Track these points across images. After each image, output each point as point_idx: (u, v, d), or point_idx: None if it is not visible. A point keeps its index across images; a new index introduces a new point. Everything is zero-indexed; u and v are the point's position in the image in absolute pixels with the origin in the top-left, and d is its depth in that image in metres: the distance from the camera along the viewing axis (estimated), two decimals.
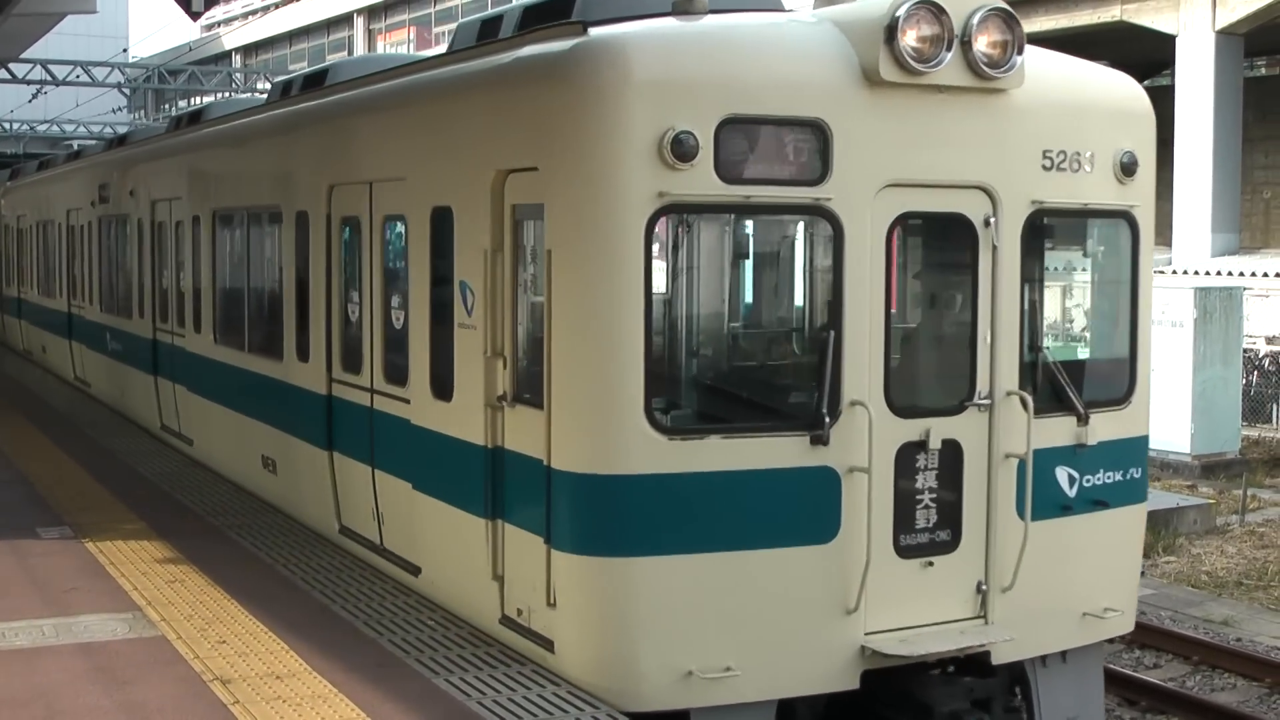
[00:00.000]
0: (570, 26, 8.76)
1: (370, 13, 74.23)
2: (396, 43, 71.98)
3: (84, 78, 52.17)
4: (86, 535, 12.32)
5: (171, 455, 16.85)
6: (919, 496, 9.12)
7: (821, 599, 8.83)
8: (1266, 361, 29.62)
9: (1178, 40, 36.20)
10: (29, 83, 49.69)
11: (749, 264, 9.65)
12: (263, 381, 13.45)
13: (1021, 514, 9.26)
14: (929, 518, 9.17)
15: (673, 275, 8.84)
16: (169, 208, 16.91)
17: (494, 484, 9.40)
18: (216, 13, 77.64)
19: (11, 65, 46.69)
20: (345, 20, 75.30)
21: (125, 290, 19.35)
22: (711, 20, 8.84)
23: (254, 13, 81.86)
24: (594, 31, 8.58)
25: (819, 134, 8.67)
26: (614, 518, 8.51)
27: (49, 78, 50.18)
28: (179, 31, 76.03)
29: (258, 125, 14.27)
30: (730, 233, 9.55)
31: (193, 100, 65.59)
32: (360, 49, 73.06)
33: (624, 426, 8.41)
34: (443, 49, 12.96)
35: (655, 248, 8.45)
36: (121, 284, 19.71)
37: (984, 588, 9.32)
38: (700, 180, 8.41)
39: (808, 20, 9.02)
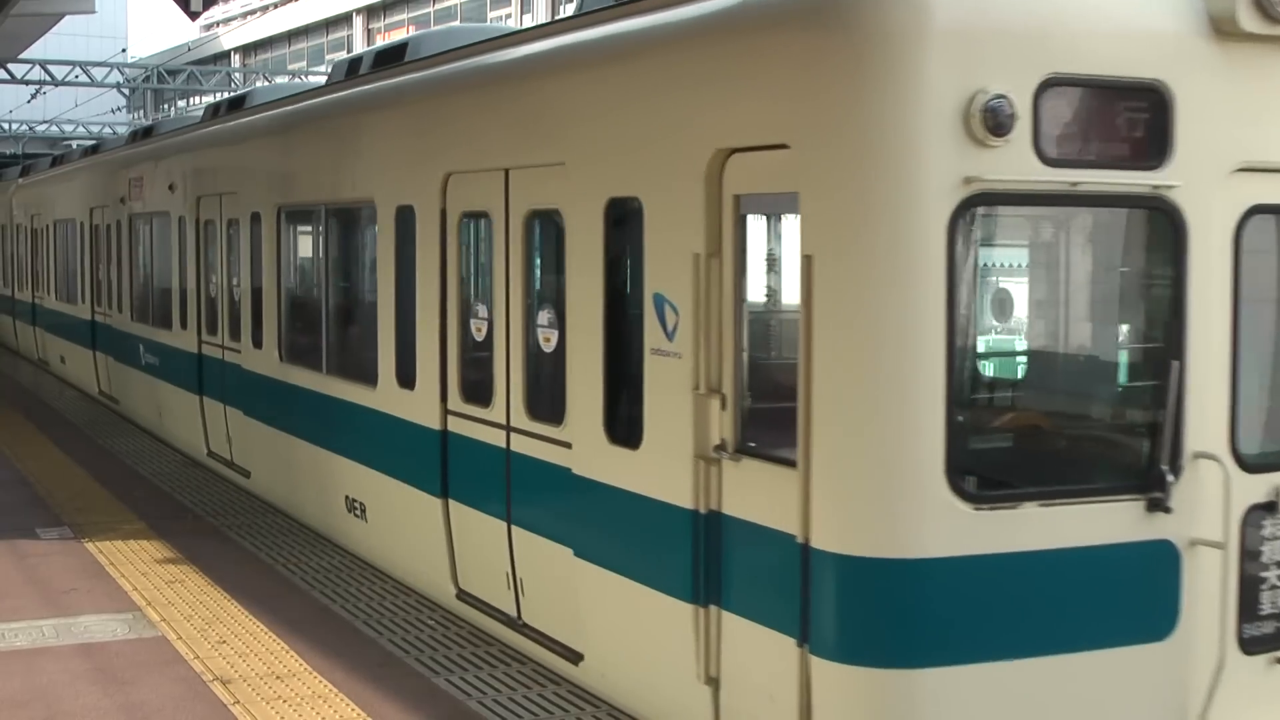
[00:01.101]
0: None
1: (369, 12, 71.61)
2: None
3: (83, 78, 50.06)
4: (86, 536, 11.92)
5: (170, 455, 16.20)
6: (1264, 574, 6.74)
7: (1155, 712, 6.47)
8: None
9: None
10: (28, 83, 47.60)
11: (1062, 272, 7.19)
12: (349, 410, 10.97)
13: None
14: (1275, 600, 6.80)
15: (967, 289, 6.39)
16: (218, 204, 14.34)
17: (707, 560, 6.97)
18: (215, 13, 74.86)
19: (10, 65, 44.98)
20: (344, 20, 72.64)
21: (163, 297, 16.76)
22: None
23: (252, 13, 79.01)
24: None
25: (1159, 101, 6.28)
26: (907, 616, 6.10)
27: (48, 78, 48.12)
28: (177, 31, 73.57)
29: (338, 106, 11.72)
30: (1038, 231, 7.11)
31: (192, 100, 63.26)
32: (359, 48, 70.35)
33: (921, 493, 6.01)
34: None
35: (959, 252, 6.05)
36: (158, 290, 17.13)
37: None
38: (1015, 162, 6.03)
39: None
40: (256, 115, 13.91)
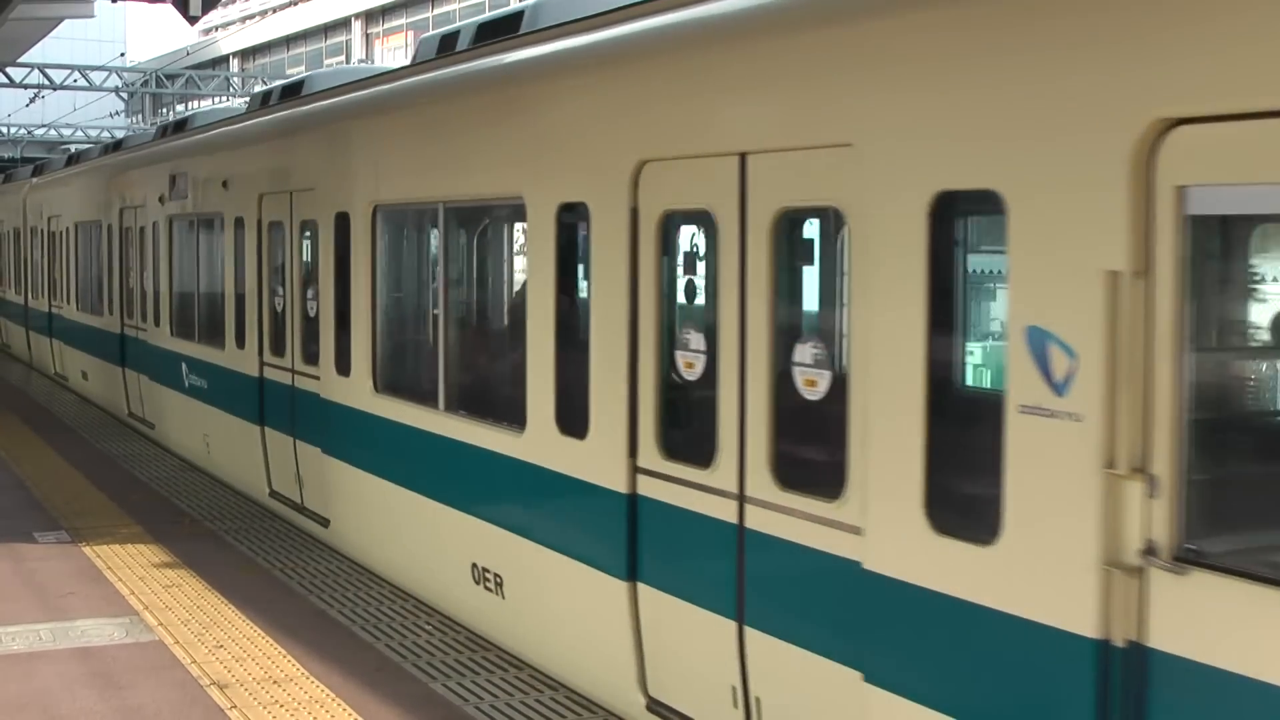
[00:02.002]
0: None
1: (367, 17, 69.32)
2: (393, 47, 67.30)
3: (81, 82, 48.58)
4: (84, 539, 11.65)
5: (168, 460, 15.55)
6: None
7: None
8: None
9: None
10: (26, 86, 45.95)
11: None
12: (481, 459, 8.60)
13: None
14: None
15: None
16: (288, 203, 11.91)
17: (1123, 715, 4.66)
18: (214, 17, 72.26)
19: (9, 69, 43.35)
20: (343, 25, 70.36)
21: (212, 310, 14.28)
22: None
23: (251, 17, 76.38)
24: None
25: None
26: None
27: (46, 81, 46.57)
28: (176, 36, 71.10)
29: (459, 83, 9.29)
30: None
31: (190, 104, 61.16)
32: (358, 53, 68.01)
33: None
34: None
35: None
36: (206, 301, 14.65)
37: None
38: None
39: None
40: (339, 98, 11.41)
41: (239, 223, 13.12)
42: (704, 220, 6.67)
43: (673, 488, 6.85)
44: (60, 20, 34.71)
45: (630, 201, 7.03)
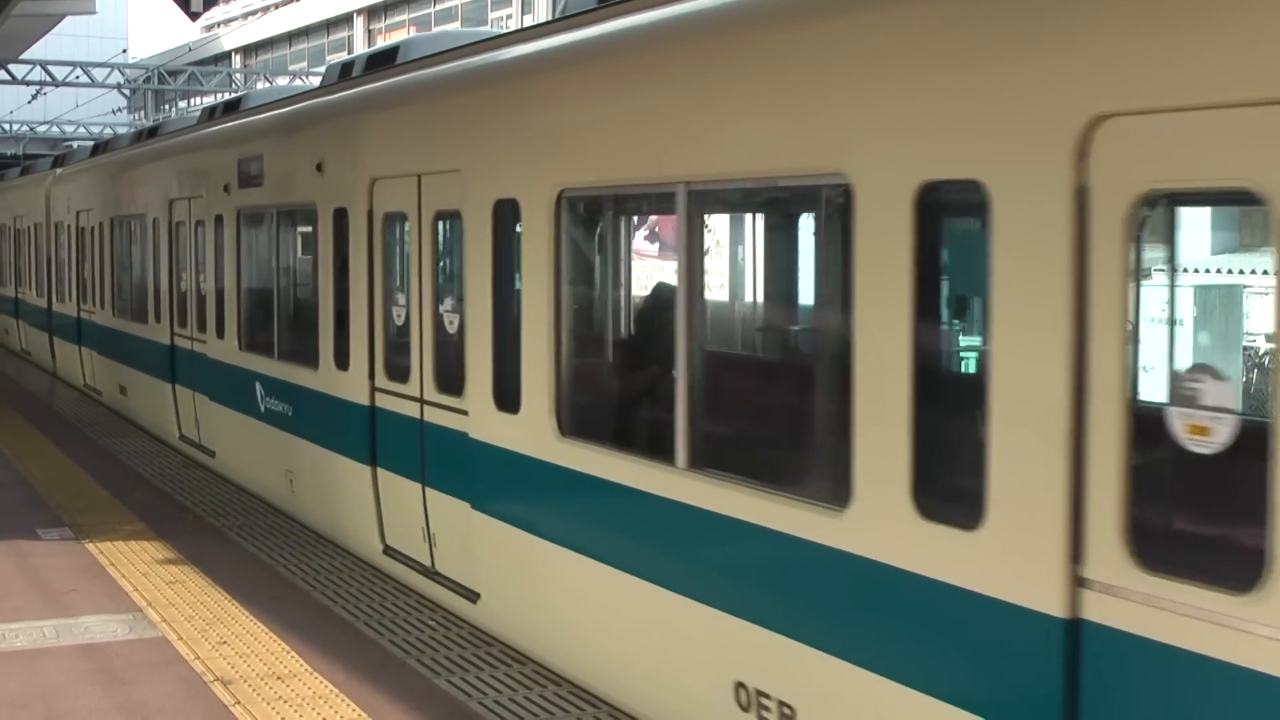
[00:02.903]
0: None
1: (370, 13, 67.02)
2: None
3: (83, 78, 47.27)
4: (87, 536, 11.41)
5: (170, 456, 15.13)
6: None
7: None
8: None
9: None
10: (29, 83, 44.72)
11: None
12: (765, 543, 5.96)
13: None
14: None
15: None
16: (414, 189, 9.17)
17: None
18: (215, 13, 69.50)
19: (11, 66, 42.61)
20: (345, 20, 68.13)
21: (297, 321, 11.61)
22: None
23: (253, 13, 73.72)
24: None
25: None
26: None
27: (48, 78, 45.37)
28: (178, 32, 68.72)
29: (706, 20, 6.59)
30: None
31: (193, 101, 59.30)
32: (360, 49, 65.53)
33: None
34: None
35: None
36: (288, 311, 11.95)
37: None
38: None
39: None
40: (497, 53, 8.60)
41: (340, 215, 10.36)
42: (1231, 204, 4.10)
43: (1163, 617, 4.28)
44: (62, 17, 33.85)
45: (1074, 178, 4.44)
